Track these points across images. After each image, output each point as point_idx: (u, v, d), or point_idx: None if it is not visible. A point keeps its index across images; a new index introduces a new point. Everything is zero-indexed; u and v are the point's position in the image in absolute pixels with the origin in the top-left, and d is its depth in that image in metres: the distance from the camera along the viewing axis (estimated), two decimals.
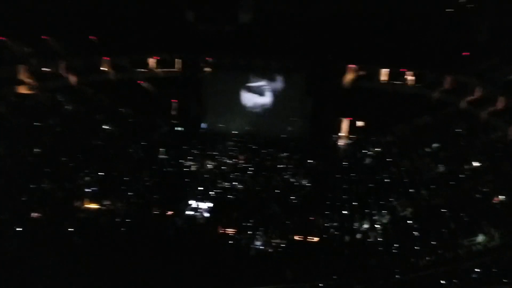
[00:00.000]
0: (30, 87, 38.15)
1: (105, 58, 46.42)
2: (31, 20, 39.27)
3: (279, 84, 46.92)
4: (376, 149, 38.29)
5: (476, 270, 20.80)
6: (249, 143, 42.46)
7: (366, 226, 26.66)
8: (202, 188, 31.60)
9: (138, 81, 48.51)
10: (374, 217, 27.31)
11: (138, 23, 47.30)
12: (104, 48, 46.04)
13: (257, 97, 47.11)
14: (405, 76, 45.15)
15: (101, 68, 46.62)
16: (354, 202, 29.41)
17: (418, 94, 42.51)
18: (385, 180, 31.92)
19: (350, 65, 47.65)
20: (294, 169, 35.80)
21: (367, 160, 36.92)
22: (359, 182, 32.41)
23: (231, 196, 30.89)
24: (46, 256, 21.43)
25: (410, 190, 29.36)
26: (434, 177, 30.26)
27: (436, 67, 42.51)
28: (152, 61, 50.05)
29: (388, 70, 46.02)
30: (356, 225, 26.87)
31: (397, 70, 45.34)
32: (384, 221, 26.79)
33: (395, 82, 45.75)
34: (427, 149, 34.11)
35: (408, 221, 26.36)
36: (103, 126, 39.25)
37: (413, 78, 44.78)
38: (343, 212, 28.38)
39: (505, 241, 22.36)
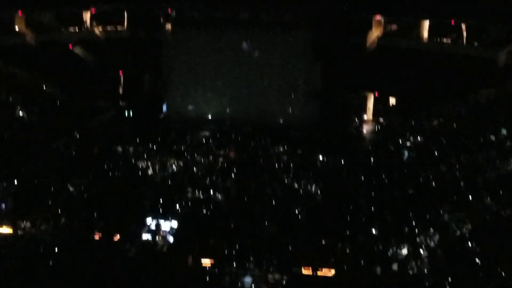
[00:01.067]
0: None
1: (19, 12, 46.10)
2: None
3: (273, 46, 46.49)
4: (417, 138, 37.83)
5: None
6: (232, 133, 42.33)
7: (405, 252, 26.17)
8: (163, 200, 31.02)
9: (69, 45, 48.15)
10: (417, 239, 26.83)
11: None
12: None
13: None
14: (455, 32, 45.04)
15: (15, 28, 46.29)
16: (386, 216, 28.88)
17: (476, 57, 42.26)
18: (431, 184, 31.52)
19: (375, 17, 47.60)
20: (299, 169, 35.48)
21: (405, 155, 36.65)
22: (394, 188, 32.01)
23: (206, 211, 30.38)
24: None
25: (468, 198, 29.02)
26: (502, 178, 30.01)
27: (502, 18, 42.30)
28: (88, 16, 49.80)
29: (431, 22, 45.84)
30: (390, 250, 26.37)
31: (444, 21, 45.04)
32: (432, 244, 26.32)
33: (441, 39, 45.64)
34: (492, 137, 33.91)
35: (466, 243, 25.92)
36: (18, 113, 38.56)
37: (466, 33, 44.69)
38: (371, 231, 27.81)
39: None
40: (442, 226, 27.28)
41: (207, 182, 33.77)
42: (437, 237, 26.41)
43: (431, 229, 26.77)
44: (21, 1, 45.93)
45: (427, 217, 28.13)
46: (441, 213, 28.19)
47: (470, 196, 29.11)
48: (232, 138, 41.50)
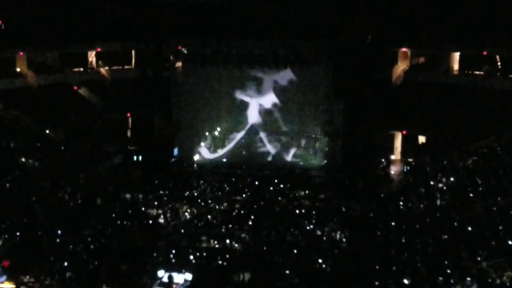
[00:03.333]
0: None
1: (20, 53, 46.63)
2: None
3: (291, 83, 46.73)
4: (449, 178, 37.63)
5: None
6: (248, 177, 42.26)
7: None
8: (176, 251, 31.06)
9: (74, 87, 48.63)
10: None
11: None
12: (18, 38, 46.19)
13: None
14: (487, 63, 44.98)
15: (16, 69, 46.78)
16: (419, 265, 28.55)
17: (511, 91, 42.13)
18: (467, 229, 31.17)
19: (402, 49, 47.66)
20: (321, 215, 35.41)
21: (437, 198, 36.23)
22: (426, 234, 31.62)
23: (222, 262, 30.28)
24: None
25: (507, 243, 28.58)
26: None
27: None
28: (93, 56, 50.26)
29: (461, 53, 45.85)
30: None
31: (475, 53, 45.03)
32: None
33: (473, 72, 45.56)
34: None
35: None
36: (20, 159, 38.86)
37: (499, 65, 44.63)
38: (403, 282, 27.51)
39: None
40: (480, 274, 26.86)
41: (223, 230, 33.76)
42: (475, 287, 26.07)
43: (468, 278, 26.43)
44: (22, 41, 46.45)
45: (464, 265, 27.67)
46: (479, 260, 27.73)
47: (510, 241, 28.69)
48: (249, 183, 41.41)
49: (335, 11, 46.42)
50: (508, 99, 41.50)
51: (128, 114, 49.82)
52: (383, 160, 44.60)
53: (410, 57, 49.98)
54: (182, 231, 34.02)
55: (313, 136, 46.60)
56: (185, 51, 46.62)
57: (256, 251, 31.42)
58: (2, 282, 26.81)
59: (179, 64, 47.47)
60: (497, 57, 44.90)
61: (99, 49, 51.36)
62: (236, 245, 32.21)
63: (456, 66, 47.38)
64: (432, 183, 38.06)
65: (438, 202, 35.75)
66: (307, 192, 39.26)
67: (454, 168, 38.73)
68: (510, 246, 28.31)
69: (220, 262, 30.35)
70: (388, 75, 48.42)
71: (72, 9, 48.96)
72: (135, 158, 46.07)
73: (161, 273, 28.46)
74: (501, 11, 43.28)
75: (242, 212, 36.37)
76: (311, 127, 46.57)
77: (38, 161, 39.72)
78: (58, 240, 31.37)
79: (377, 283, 27.46)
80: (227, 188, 40.43)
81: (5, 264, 27.52)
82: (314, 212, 35.98)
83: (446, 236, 30.86)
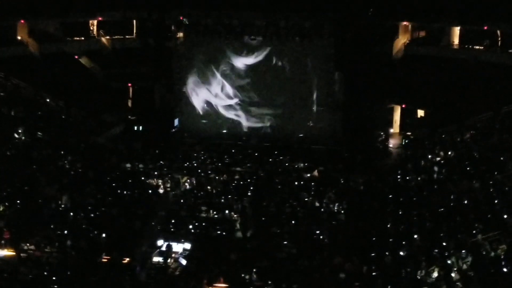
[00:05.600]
0: None
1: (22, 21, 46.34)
2: None
3: (292, 55, 46.58)
4: (447, 152, 37.70)
5: None
6: (248, 149, 42.37)
7: (435, 275, 26.01)
8: (176, 221, 31.26)
9: (75, 56, 48.48)
10: (448, 261, 26.67)
11: None
12: (19, 6, 45.77)
13: None
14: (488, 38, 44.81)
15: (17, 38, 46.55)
16: (415, 237, 28.65)
17: (511, 66, 41.96)
18: (464, 202, 31.23)
19: (402, 23, 47.45)
20: (320, 187, 35.51)
21: (435, 171, 36.30)
22: (423, 207, 31.73)
23: (221, 232, 30.61)
24: None
25: (503, 217, 28.66)
26: None
27: None
28: (95, 25, 50.03)
29: (462, 28, 45.63)
30: (420, 274, 26.24)
31: (476, 27, 44.80)
32: (464, 266, 26.13)
33: (473, 46, 45.36)
34: None
35: (501, 266, 25.48)
36: (20, 128, 38.76)
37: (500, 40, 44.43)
38: (399, 253, 27.70)
39: None
40: (475, 247, 26.99)
41: (222, 201, 33.90)
42: (469, 259, 26.18)
43: (463, 250, 26.56)
44: (23, 10, 46.12)
45: (459, 238, 27.75)
46: (474, 233, 27.82)
47: (505, 215, 28.81)
48: (248, 154, 41.53)
49: None
50: (507, 74, 41.34)
51: (129, 84, 49.73)
52: (382, 133, 44.61)
53: (411, 31, 49.82)
54: (182, 201, 34.11)
55: (313, 108, 46.50)
56: (187, 22, 46.32)
57: (254, 222, 31.51)
58: None
59: (180, 34, 47.17)
60: (498, 32, 44.64)
61: (100, 18, 51.12)
62: (235, 215, 32.33)
63: (456, 41, 47.23)
64: (430, 156, 38.18)
65: (436, 175, 35.88)
66: (306, 164, 39.28)
67: (452, 142, 38.80)
68: (505, 220, 28.45)
69: (218, 232, 30.62)
70: (388, 49, 48.29)
71: None
72: (135, 128, 46.03)
73: (160, 242, 28.63)
74: None
75: (241, 183, 36.48)
76: (311, 99, 46.43)
77: (39, 129, 39.56)
78: (58, 209, 31.40)
79: (373, 255, 27.67)
80: (227, 159, 40.53)
81: (6, 236, 27.59)
82: (312, 184, 36.11)
83: (442, 209, 31.03)
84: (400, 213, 31.72)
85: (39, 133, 39.41)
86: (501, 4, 42.54)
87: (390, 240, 29.04)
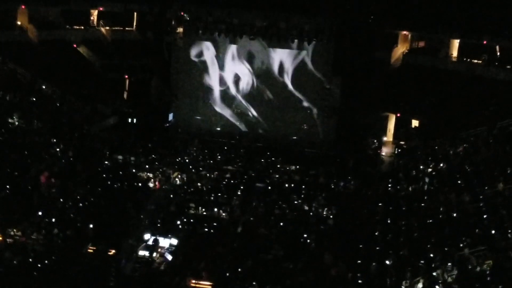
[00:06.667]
0: None
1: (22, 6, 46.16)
2: None
3: (290, 57, 46.51)
4: (439, 164, 37.68)
5: None
6: (240, 148, 42.36)
7: (420, 286, 25.97)
8: (164, 215, 31.23)
9: (73, 45, 48.34)
10: (433, 273, 26.66)
11: None
12: None
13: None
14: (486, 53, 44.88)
15: (17, 23, 46.37)
16: (403, 247, 28.68)
17: (508, 82, 42.06)
18: (452, 215, 31.17)
19: (402, 32, 47.47)
20: (310, 191, 35.50)
21: (426, 182, 36.31)
22: (411, 217, 31.71)
23: (208, 230, 30.60)
24: None
25: (491, 232, 28.67)
26: None
27: None
28: (95, 15, 49.90)
29: (461, 41, 45.67)
30: (404, 284, 26.19)
31: (476, 41, 44.85)
32: (450, 279, 26.16)
33: (471, 60, 45.44)
34: None
35: (486, 281, 25.44)
36: (14, 113, 38.52)
37: (498, 55, 44.52)
38: (385, 262, 27.62)
39: None
40: (461, 260, 26.95)
41: (212, 198, 33.87)
42: (455, 272, 26.18)
43: (450, 263, 26.56)
44: None
45: (446, 250, 27.73)
46: (462, 246, 27.79)
47: (493, 231, 28.81)
48: (240, 153, 41.49)
49: None
50: (503, 90, 41.45)
51: (126, 76, 49.62)
52: (375, 140, 44.62)
53: (411, 40, 49.88)
54: (171, 196, 34.06)
55: (308, 111, 46.50)
56: (187, 17, 46.23)
57: (243, 222, 31.41)
58: None
59: (180, 29, 47.09)
60: (497, 47, 44.72)
61: (101, 8, 51.06)
62: (223, 214, 32.32)
63: (455, 53, 47.30)
64: (421, 167, 38.19)
65: (426, 186, 35.89)
66: (297, 166, 39.25)
67: (444, 154, 38.82)
68: (493, 235, 28.45)
69: (206, 229, 30.59)
70: (387, 57, 48.33)
71: None
72: (129, 120, 45.93)
73: (147, 236, 28.62)
74: (504, 2, 43.02)
75: (232, 182, 36.43)
76: (307, 102, 46.42)
77: (33, 116, 39.36)
78: (46, 196, 31.14)
79: (359, 262, 27.64)
80: (219, 157, 40.46)
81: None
82: (303, 187, 36.10)
83: (431, 221, 31.02)
84: (389, 221, 31.74)
85: (33, 119, 39.17)
86: (501, 20, 42.67)
87: (377, 248, 29.02)
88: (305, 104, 46.47)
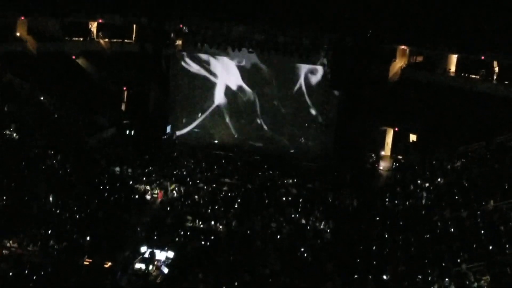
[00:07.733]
0: None
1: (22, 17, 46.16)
2: None
3: (289, 71, 46.54)
4: (437, 179, 37.61)
5: None
6: (238, 161, 42.24)
7: None
8: (160, 228, 31.17)
9: (72, 56, 48.33)
10: None
11: None
12: (20, 2, 45.56)
13: None
14: (484, 68, 44.81)
15: (16, 34, 46.30)
16: (399, 262, 28.57)
17: (506, 97, 42.05)
18: (450, 230, 31.14)
19: (400, 46, 47.49)
20: (308, 204, 35.46)
21: (424, 197, 36.25)
22: (409, 232, 31.70)
23: (205, 243, 30.43)
24: None
25: (488, 248, 28.58)
26: None
27: None
28: (94, 27, 49.91)
29: (460, 56, 45.54)
30: None
31: (474, 57, 44.87)
32: None
33: (469, 75, 45.42)
34: None
35: None
36: (12, 125, 38.46)
37: (497, 71, 44.44)
38: (382, 277, 27.55)
39: None
40: (459, 276, 26.92)
41: (209, 211, 33.84)
42: None
43: (447, 278, 26.50)
44: (24, 6, 45.94)
45: (443, 266, 27.77)
46: (459, 262, 27.78)
47: (490, 246, 28.72)
48: (238, 167, 41.40)
49: (338, 3, 46.03)
50: (501, 105, 41.40)
51: (125, 88, 49.56)
52: (373, 155, 44.53)
53: (409, 55, 49.87)
54: (168, 208, 34.08)
55: (306, 125, 46.50)
56: (186, 30, 46.28)
57: (239, 235, 31.37)
58: None
59: (179, 42, 47.19)
60: (495, 62, 44.72)
61: (101, 20, 51.09)
62: (220, 227, 32.22)
63: (453, 68, 47.28)
64: (419, 182, 38.10)
65: (424, 201, 35.82)
66: (295, 180, 39.17)
67: (442, 169, 38.76)
68: (490, 251, 28.37)
69: (203, 242, 30.43)
70: (385, 71, 48.28)
71: None
72: (127, 132, 45.84)
73: (143, 248, 28.53)
74: (502, 18, 43.06)
75: (229, 194, 36.39)
76: (305, 116, 46.41)
77: (30, 127, 39.30)
78: (43, 208, 31.27)
79: (356, 277, 27.52)
80: (216, 170, 40.35)
81: None
82: (300, 201, 36.01)
83: (428, 236, 30.93)
84: (386, 236, 31.63)
85: (31, 130, 39.10)
86: (499, 36, 42.67)
87: (374, 262, 28.88)
88: (304, 117, 46.45)
